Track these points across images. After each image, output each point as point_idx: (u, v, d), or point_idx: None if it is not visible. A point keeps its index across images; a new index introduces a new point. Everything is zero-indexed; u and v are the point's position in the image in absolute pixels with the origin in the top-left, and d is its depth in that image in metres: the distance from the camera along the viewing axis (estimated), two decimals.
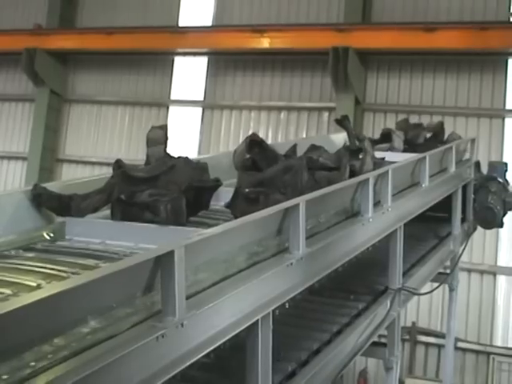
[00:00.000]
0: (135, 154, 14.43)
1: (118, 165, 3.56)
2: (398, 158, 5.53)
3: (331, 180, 3.94)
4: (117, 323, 2.13)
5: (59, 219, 3.42)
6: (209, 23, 14.68)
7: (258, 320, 2.70)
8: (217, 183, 3.66)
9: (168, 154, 3.77)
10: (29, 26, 15.47)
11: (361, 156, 4.64)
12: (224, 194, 3.76)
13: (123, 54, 14.88)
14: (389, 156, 5.48)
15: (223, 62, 14.31)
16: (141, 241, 3.12)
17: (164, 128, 3.93)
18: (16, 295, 2.34)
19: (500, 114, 12.03)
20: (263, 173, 3.91)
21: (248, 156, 4.23)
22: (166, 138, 3.85)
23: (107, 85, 15.31)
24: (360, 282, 4.55)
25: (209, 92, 14.34)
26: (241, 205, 3.54)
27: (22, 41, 14.98)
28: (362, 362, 11.34)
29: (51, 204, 3.42)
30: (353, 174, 4.23)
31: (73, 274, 2.63)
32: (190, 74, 14.72)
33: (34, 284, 2.49)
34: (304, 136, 12.71)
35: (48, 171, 15.04)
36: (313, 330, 3.65)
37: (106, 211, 3.49)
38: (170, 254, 2.21)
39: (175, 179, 3.47)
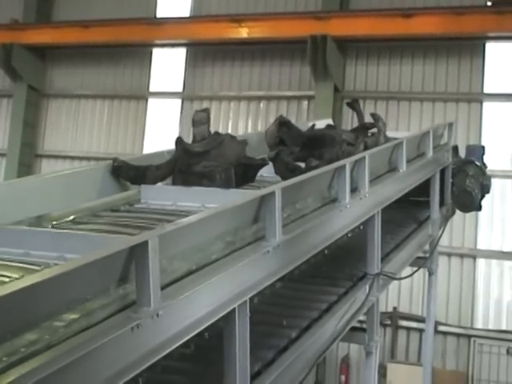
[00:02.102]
0: (114, 148, 14.38)
1: (180, 141, 4.28)
2: (398, 135, 5.89)
3: (350, 153, 4.59)
4: (91, 315, 2.12)
5: (133, 187, 4.13)
6: (187, 14, 14.59)
7: (234, 308, 2.70)
8: (263, 162, 4.34)
9: (216, 132, 4.42)
10: (5, 21, 15.28)
11: (376, 133, 5.46)
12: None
13: (101, 47, 14.76)
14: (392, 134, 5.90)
15: (202, 53, 14.25)
16: (205, 201, 3.72)
17: (206, 111, 4.52)
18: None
19: (478, 98, 12.10)
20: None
21: (277, 135, 4.92)
22: (209, 119, 4.45)
23: (85, 78, 15.19)
24: (339, 268, 4.57)
25: (188, 83, 14.29)
26: (280, 167, 4.43)
27: None
28: (345, 349, 11.42)
29: (128, 174, 4.13)
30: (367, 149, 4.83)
31: (156, 225, 3.19)
32: (168, 66, 14.65)
33: (132, 234, 2.91)
34: None
35: (27, 167, 14.92)
36: (291, 317, 3.67)
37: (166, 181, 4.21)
38: (144, 244, 2.21)
39: (223, 153, 4.17)
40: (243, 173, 4.15)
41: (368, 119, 5.79)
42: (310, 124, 5.79)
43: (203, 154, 4.15)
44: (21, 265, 2.61)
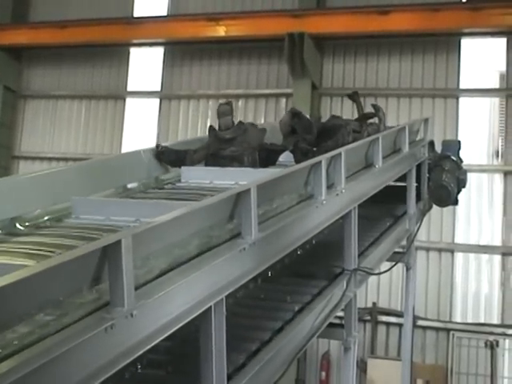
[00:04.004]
0: (92, 148, 14.29)
1: (212, 129, 5.05)
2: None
3: (356, 139, 5.38)
4: (64, 316, 2.11)
5: (173, 169, 4.87)
6: (164, 13, 14.52)
7: (210, 306, 2.70)
8: (284, 148, 5.17)
9: (240, 122, 5.16)
10: None
11: (374, 122, 6.20)
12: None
13: (78, 47, 14.62)
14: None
15: (179, 52, 14.19)
16: (237, 179, 4.28)
17: (230, 104, 5.18)
18: None
19: (454, 93, 12.19)
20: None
21: (290, 123, 5.47)
22: (232, 111, 5.13)
23: (62, 79, 15.05)
24: (317, 264, 4.59)
25: (166, 82, 14.22)
26: (297, 153, 5.10)
27: None
28: (325, 345, 11.45)
29: (170, 158, 4.89)
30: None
31: (199, 198, 3.64)
32: (146, 65, 14.56)
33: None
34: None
35: (4, 169, 14.74)
36: (268, 316, 3.67)
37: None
38: (117, 243, 2.20)
39: (247, 139, 4.93)
40: (266, 157, 4.96)
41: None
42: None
43: (231, 140, 4.89)
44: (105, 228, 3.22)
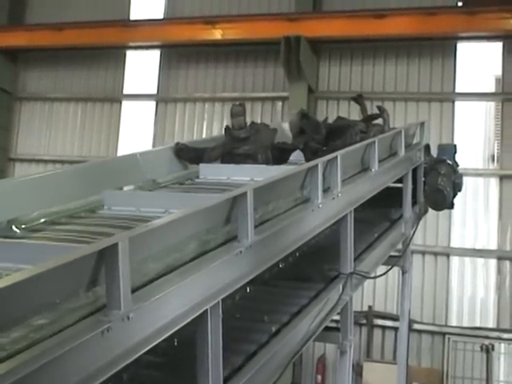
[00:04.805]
0: (88, 151, 14.27)
1: (227, 129, 5.31)
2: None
3: (363, 139, 5.60)
4: (60, 319, 2.10)
5: (191, 166, 5.11)
6: (160, 16, 14.53)
7: (206, 310, 2.70)
8: (295, 147, 5.46)
9: (253, 122, 5.45)
10: None
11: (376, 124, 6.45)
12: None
13: (74, 50, 14.62)
14: None
15: (176, 55, 14.20)
16: (253, 176, 4.51)
17: (242, 105, 5.39)
18: None
19: (450, 97, 12.23)
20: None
21: (299, 125, 5.77)
22: (244, 112, 5.33)
23: (59, 81, 15.04)
24: (313, 268, 4.59)
25: (162, 85, 14.23)
26: (307, 153, 5.36)
27: None
28: (321, 349, 11.46)
29: (189, 155, 5.14)
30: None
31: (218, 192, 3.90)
32: (142, 68, 14.57)
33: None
34: None
35: (0, 171, 14.73)
36: (264, 319, 3.67)
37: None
38: (114, 246, 2.19)
39: (260, 138, 5.19)
40: (279, 155, 5.24)
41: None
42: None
43: (245, 139, 5.15)
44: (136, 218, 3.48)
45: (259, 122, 6.33)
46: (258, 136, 5.20)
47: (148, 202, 3.76)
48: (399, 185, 6.32)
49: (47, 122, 14.95)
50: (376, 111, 6.74)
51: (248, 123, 5.32)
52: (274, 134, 5.40)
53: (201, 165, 4.99)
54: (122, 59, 14.63)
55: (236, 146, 5.13)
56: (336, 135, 5.60)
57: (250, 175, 4.57)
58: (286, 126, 6.43)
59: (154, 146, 13.58)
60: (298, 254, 4.27)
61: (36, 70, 15.31)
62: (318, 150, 5.29)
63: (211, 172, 4.88)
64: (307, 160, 5.03)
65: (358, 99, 7.12)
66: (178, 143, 5.23)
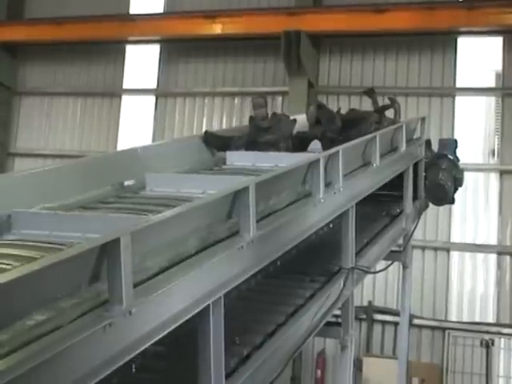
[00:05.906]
0: (88, 145, 14.24)
1: (252, 119, 5.67)
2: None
3: (377, 129, 5.83)
4: (62, 314, 2.09)
5: (218, 153, 5.36)
6: (160, 10, 14.48)
7: (209, 305, 2.69)
8: (314, 136, 5.76)
9: (274, 113, 5.85)
10: None
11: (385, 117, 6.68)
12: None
13: (74, 44, 14.56)
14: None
15: (175, 50, 14.16)
16: (277, 162, 4.74)
17: (264, 97, 5.89)
18: None
19: (450, 92, 12.20)
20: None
21: (316, 115, 6.09)
22: (266, 104, 5.70)
23: (58, 76, 15.00)
24: (315, 263, 4.58)
25: (162, 80, 14.19)
26: (325, 142, 5.62)
27: None
28: (321, 343, 11.45)
29: (216, 143, 5.43)
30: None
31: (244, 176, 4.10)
32: (142, 63, 14.52)
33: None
34: None
35: None
36: (267, 313, 3.66)
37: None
38: (116, 241, 2.18)
39: (281, 128, 5.53)
40: (299, 143, 5.57)
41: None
42: None
43: (268, 128, 5.49)
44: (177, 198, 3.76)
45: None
46: (279, 126, 5.54)
47: (186, 184, 4.02)
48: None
49: (47, 117, 14.91)
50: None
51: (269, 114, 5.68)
52: (293, 124, 5.70)
53: (228, 152, 5.26)
54: (122, 54, 14.58)
55: (259, 135, 5.47)
56: (352, 125, 5.94)
57: (274, 162, 4.81)
58: (300, 117, 6.43)
59: (153, 140, 13.55)
60: (297, 249, 4.27)
61: (35, 65, 15.27)
62: (335, 139, 5.57)
63: (237, 159, 5.17)
64: (325, 149, 5.18)
65: (370, 93, 7.39)
66: (206, 131, 5.58)
